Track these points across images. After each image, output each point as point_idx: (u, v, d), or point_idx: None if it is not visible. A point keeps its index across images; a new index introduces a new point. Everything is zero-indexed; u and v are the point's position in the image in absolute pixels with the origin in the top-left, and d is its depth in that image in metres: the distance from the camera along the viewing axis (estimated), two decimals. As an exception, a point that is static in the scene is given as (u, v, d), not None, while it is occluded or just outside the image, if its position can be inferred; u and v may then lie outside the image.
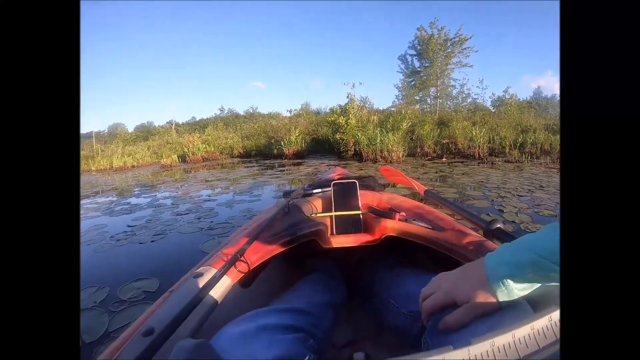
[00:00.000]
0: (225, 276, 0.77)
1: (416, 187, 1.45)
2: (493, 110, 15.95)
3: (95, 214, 4.55)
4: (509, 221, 3.10)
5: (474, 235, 0.93)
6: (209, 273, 0.79)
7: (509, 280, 0.47)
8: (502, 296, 0.48)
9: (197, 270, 0.81)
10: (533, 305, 0.52)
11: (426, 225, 1.05)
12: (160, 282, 2.19)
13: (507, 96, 17.43)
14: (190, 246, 2.87)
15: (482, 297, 0.49)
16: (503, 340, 0.41)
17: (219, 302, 0.74)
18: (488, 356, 0.40)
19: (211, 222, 3.60)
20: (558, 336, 0.41)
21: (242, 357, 0.53)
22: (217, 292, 0.74)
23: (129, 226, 3.69)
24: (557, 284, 0.44)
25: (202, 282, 0.73)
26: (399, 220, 1.10)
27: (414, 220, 1.09)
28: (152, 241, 3.05)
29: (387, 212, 1.14)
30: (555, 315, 0.43)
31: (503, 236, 0.81)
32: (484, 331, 0.44)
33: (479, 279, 0.51)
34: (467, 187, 5.07)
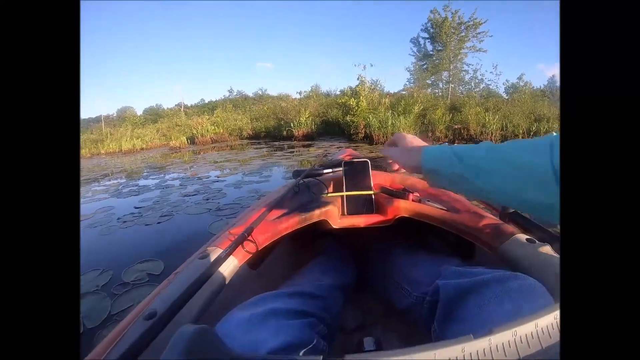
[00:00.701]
0: (232, 257, 0.74)
1: None
2: (506, 97, 15.56)
3: (103, 196, 4.52)
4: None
5: (490, 218, 0.91)
6: (215, 254, 0.75)
7: (434, 172, 0.57)
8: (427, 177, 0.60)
9: (203, 252, 0.79)
10: (551, 294, 0.54)
11: (440, 207, 1.01)
12: (165, 264, 2.13)
13: (522, 83, 16.99)
14: (197, 227, 2.79)
15: (411, 169, 0.64)
16: (525, 329, 0.40)
17: (225, 285, 0.72)
18: (510, 346, 0.39)
19: (219, 202, 3.51)
20: None
21: (249, 343, 0.51)
22: (224, 274, 0.72)
23: (136, 207, 3.63)
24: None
25: (207, 263, 0.68)
26: (413, 200, 1.05)
27: (428, 201, 1.05)
28: (159, 222, 2.99)
29: (400, 193, 1.09)
30: None
31: (519, 219, 0.81)
32: (501, 317, 0.46)
33: (416, 162, 0.61)
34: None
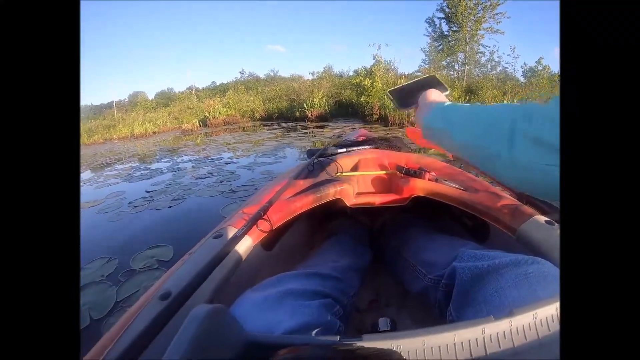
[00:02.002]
0: (246, 236, 0.73)
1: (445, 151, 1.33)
2: (523, 81, 15.04)
3: (114, 181, 4.45)
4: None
5: (508, 199, 0.90)
6: (230, 234, 0.76)
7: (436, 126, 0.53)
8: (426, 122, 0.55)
9: (218, 231, 0.79)
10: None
11: (457, 186, 1.00)
12: (175, 249, 2.05)
13: (540, 67, 16.29)
14: (210, 210, 2.69)
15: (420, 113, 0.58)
16: (546, 312, 0.40)
17: (239, 265, 0.73)
18: (530, 328, 0.40)
19: (231, 185, 3.39)
20: None
21: (265, 324, 0.51)
22: (238, 253, 0.72)
23: (147, 191, 3.54)
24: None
25: (222, 243, 0.68)
26: (429, 180, 1.04)
27: (445, 180, 1.04)
28: (170, 207, 2.88)
29: (416, 172, 1.08)
30: None
31: (537, 200, 0.79)
32: (518, 302, 0.46)
33: (427, 109, 0.56)
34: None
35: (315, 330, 0.52)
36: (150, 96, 31.17)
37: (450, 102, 0.54)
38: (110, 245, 2.20)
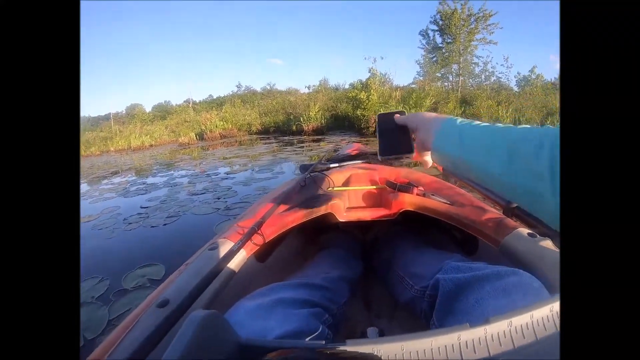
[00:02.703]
0: (240, 249, 0.75)
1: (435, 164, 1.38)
2: (517, 90, 15.21)
3: (110, 195, 4.43)
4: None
5: (493, 213, 0.93)
6: (225, 246, 0.79)
7: (440, 152, 0.48)
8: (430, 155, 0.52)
9: (213, 243, 0.81)
10: (547, 287, 0.57)
11: (444, 201, 1.04)
12: (167, 268, 2.04)
13: (533, 76, 16.45)
14: (204, 229, 2.68)
15: (421, 143, 0.53)
16: (521, 320, 0.42)
17: (234, 275, 0.75)
18: (505, 336, 0.41)
19: (226, 202, 3.37)
20: None
21: (258, 331, 0.53)
22: (233, 265, 0.74)
23: (142, 207, 3.52)
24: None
25: (217, 254, 0.73)
26: (417, 194, 1.08)
27: (432, 195, 1.07)
28: (165, 224, 2.85)
29: (405, 186, 1.11)
30: None
31: (523, 214, 0.81)
32: (497, 312, 0.45)
33: (427, 138, 0.51)
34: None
35: (304, 336, 0.55)
36: (148, 109, 31.25)
37: (461, 119, 0.49)
38: (102, 263, 2.18)
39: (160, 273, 1.97)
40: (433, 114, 0.53)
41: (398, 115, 0.60)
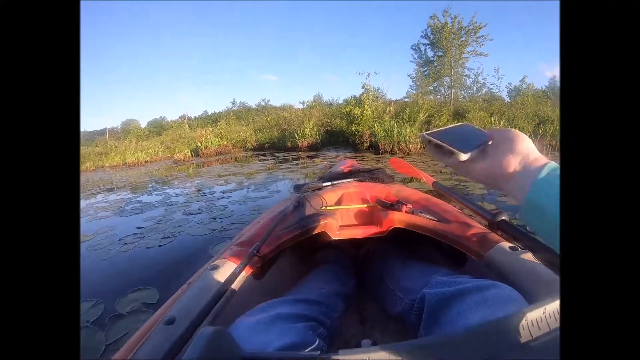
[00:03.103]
0: (239, 268, 0.78)
1: (424, 179, 1.45)
2: (509, 101, 15.43)
3: (105, 214, 4.42)
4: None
5: (479, 228, 0.98)
6: (225, 265, 0.83)
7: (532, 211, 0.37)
8: (522, 214, 0.38)
9: (214, 263, 0.85)
10: (527, 297, 0.60)
11: (432, 218, 1.09)
12: (161, 292, 2.03)
13: (524, 86, 16.69)
14: (198, 251, 2.67)
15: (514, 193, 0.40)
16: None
17: (235, 293, 0.78)
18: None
19: (222, 222, 3.37)
20: (552, 327, 0.45)
21: (258, 345, 0.57)
22: (233, 283, 0.75)
23: (138, 228, 3.51)
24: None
25: (218, 274, 0.76)
26: (406, 212, 1.12)
27: (420, 212, 1.12)
28: (160, 245, 2.85)
29: (394, 205, 1.16)
30: (550, 307, 0.46)
31: (508, 228, 0.82)
32: (477, 320, 0.53)
33: (518, 185, 0.39)
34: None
35: (301, 349, 0.59)
36: (143, 124, 31.37)
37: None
38: (97, 285, 2.17)
39: (155, 297, 1.97)
40: (524, 147, 0.41)
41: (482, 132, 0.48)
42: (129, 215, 4.20)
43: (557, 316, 0.47)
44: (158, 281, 2.16)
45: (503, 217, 0.83)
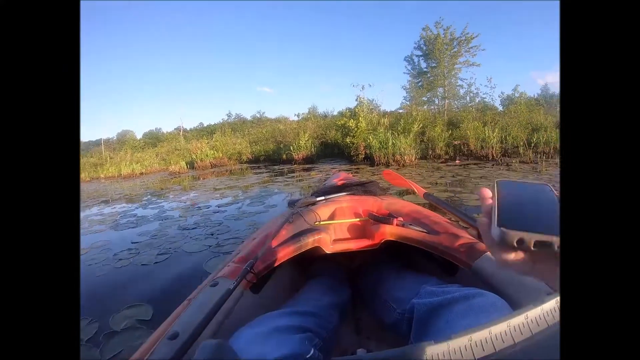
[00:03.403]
0: (238, 284, 0.81)
1: (416, 190, 1.58)
2: (502, 109, 15.61)
3: (100, 228, 4.40)
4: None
5: (467, 238, 1.01)
6: (224, 282, 0.85)
7: None
8: None
9: (213, 280, 0.88)
10: (512, 304, 0.62)
11: (422, 230, 1.13)
12: (154, 309, 2.01)
13: (517, 95, 16.77)
14: (193, 266, 2.67)
15: None
16: (480, 335, 0.47)
17: (234, 307, 0.82)
18: (466, 350, 0.46)
19: (217, 239, 3.36)
20: (533, 332, 0.47)
21: (257, 356, 0.59)
22: (232, 298, 0.80)
23: (133, 242, 3.49)
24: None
25: (217, 290, 0.79)
26: (397, 225, 1.16)
27: (411, 224, 1.17)
28: (156, 262, 2.83)
29: (386, 218, 1.21)
30: (532, 313, 0.49)
31: None
32: (463, 328, 0.50)
33: None
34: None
35: (298, 359, 0.61)
36: (139, 135, 31.29)
37: None
38: (92, 301, 2.15)
39: (149, 313, 1.95)
40: None
41: None
42: (124, 230, 4.17)
43: (539, 321, 0.50)
44: (153, 298, 2.15)
45: None
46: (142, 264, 2.81)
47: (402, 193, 4.40)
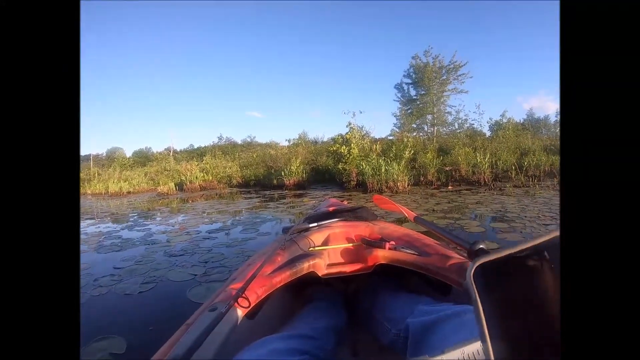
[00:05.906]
0: (234, 309, 0.84)
1: (406, 214, 1.63)
2: (490, 135, 16.06)
3: (82, 248, 4.20)
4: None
5: (457, 258, 1.04)
6: (222, 307, 0.83)
7: None
8: None
9: (210, 305, 0.87)
10: None
11: (413, 252, 1.16)
12: (129, 342, 1.84)
13: (504, 120, 17.25)
14: (176, 295, 2.52)
15: None
16: (472, 348, 0.49)
17: (232, 332, 0.81)
18: None
19: (205, 266, 3.19)
20: None
21: None
22: (230, 323, 0.81)
23: (115, 268, 3.29)
24: None
25: (214, 315, 0.77)
26: (389, 249, 1.19)
27: (403, 248, 1.19)
28: (140, 292, 2.64)
29: (378, 242, 1.24)
30: None
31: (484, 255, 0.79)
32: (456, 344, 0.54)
33: None
34: (487, 218, 4.76)
35: None
36: (128, 153, 31.16)
37: None
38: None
39: (122, 347, 1.79)
40: None
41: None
42: (107, 252, 3.97)
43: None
44: (131, 329, 1.98)
45: (481, 246, 0.92)
46: (125, 294, 2.62)
47: (397, 220, 4.30)
